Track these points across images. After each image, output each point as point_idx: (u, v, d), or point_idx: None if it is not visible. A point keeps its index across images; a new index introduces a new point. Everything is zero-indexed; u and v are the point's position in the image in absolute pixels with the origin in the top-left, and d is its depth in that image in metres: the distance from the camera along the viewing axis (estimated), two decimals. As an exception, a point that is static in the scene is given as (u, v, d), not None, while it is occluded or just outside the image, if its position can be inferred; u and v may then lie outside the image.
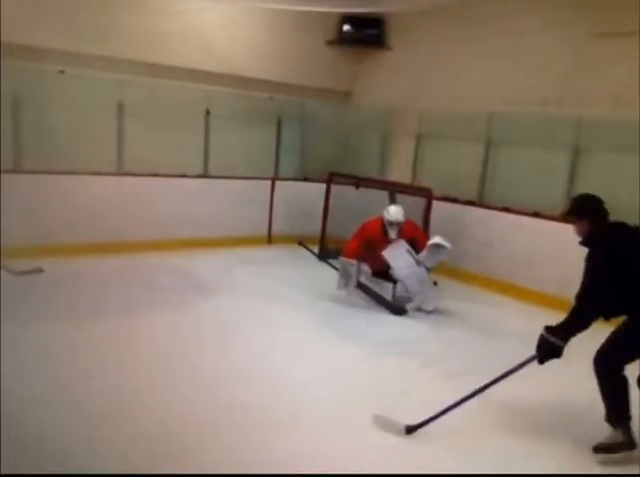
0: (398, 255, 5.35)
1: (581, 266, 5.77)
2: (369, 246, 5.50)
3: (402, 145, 7.92)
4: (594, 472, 2.98)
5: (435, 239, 5.28)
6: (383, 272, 5.49)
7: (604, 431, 3.36)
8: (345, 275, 5.49)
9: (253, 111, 7.64)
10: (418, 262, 5.34)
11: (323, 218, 7.04)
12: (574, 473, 2.95)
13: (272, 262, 6.81)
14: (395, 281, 5.45)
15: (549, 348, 3.18)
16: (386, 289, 5.49)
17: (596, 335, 3.22)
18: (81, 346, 3.96)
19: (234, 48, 7.31)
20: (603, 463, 3.05)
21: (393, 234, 5.42)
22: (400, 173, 7.72)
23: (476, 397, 3.69)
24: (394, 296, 5.47)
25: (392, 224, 5.41)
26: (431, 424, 3.30)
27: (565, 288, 5.70)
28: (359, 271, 5.44)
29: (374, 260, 5.48)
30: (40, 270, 5.38)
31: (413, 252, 5.36)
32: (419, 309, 5.39)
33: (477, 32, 6.94)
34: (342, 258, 5.52)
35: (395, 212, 5.45)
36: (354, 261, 5.42)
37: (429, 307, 5.40)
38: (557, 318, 5.63)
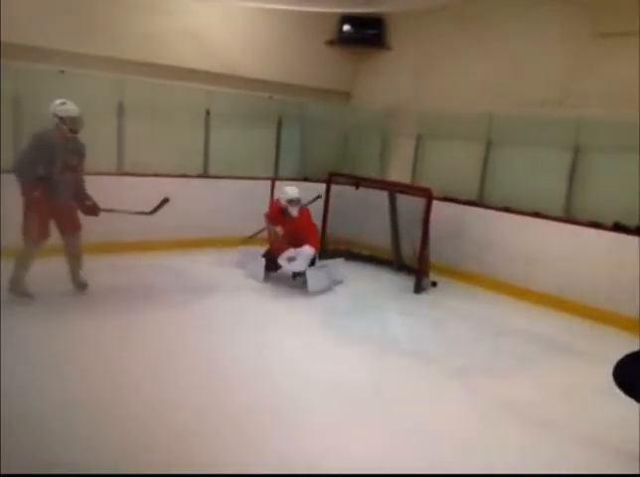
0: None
1: (581, 267, 5.83)
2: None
3: (402, 145, 7.92)
4: (594, 472, 2.98)
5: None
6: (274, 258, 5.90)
7: (606, 431, 3.37)
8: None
9: (253, 111, 7.64)
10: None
11: (323, 218, 7.02)
12: (575, 473, 2.95)
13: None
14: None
15: None
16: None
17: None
18: (81, 346, 3.96)
19: (234, 48, 7.31)
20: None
21: (294, 211, 5.86)
22: (399, 173, 7.72)
23: (478, 397, 3.71)
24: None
25: (292, 201, 5.84)
26: (432, 424, 3.31)
27: (565, 288, 5.75)
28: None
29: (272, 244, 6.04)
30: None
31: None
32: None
33: (477, 32, 6.95)
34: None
35: (292, 190, 5.90)
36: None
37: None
38: (555, 318, 5.70)
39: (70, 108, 4.78)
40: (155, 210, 5.54)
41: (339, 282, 6.12)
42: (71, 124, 4.78)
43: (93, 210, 5.08)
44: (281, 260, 5.76)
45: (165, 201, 5.55)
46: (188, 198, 6.87)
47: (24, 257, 4.75)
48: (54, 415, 3.04)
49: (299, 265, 5.75)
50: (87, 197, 5.07)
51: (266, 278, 5.98)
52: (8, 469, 2.47)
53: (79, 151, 4.93)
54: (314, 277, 5.74)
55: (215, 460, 2.80)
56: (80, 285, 5.15)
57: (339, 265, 6.32)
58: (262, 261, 5.98)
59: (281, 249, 5.82)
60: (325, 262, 6.14)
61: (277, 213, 5.98)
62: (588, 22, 5.92)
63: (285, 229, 5.84)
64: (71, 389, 3.35)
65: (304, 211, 6.04)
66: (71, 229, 5.03)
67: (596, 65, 5.90)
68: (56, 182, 4.73)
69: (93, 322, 4.42)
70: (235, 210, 7.23)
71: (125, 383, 3.50)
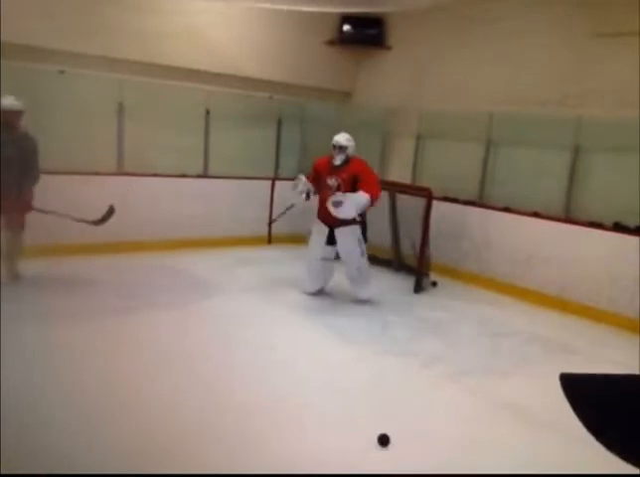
0: (346, 239, 5.33)
1: (581, 267, 5.83)
2: (319, 180, 5.47)
3: (402, 145, 7.92)
4: (594, 472, 2.98)
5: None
6: (325, 223, 5.40)
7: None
8: (296, 186, 5.50)
9: (253, 111, 7.64)
10: (363, 253, 5.36)
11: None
12: (575, 473, 2.94)
13: (272, 262, 6.80)
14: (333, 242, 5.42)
15: None
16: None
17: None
18: (81, 346, 3.96)
19: (234, 48, 7.31)
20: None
21: (338, 159, 5.30)
22: (399, 173, 7.72)
23: (478, 397, 3.71)
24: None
25: (334, 147, 5.32)
26: (432, 425, 3.31)
27: (565, 288, 5.75)
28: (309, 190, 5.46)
29: (321, 203, 5.42)
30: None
31: (363, 244, 5.36)
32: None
33: (477, 32, 6.95)
34: (302, 176, 5.56)
35: (338, 135, 5.38)
36: (308, 182, 5.47)
37: (361, 296, 5.48)
38: (556, 318, 5.69)
39: None
40: (102, 220, 5.37)
41: (356, 298, 5.57)
42: None
43: (23, 208, 4.97)
44: (328, 204, 5.04)
45: (111, 211, 5.39)
46: (188, 198, 6.90)
47: None
48: (53, 415, 3.04)
49: (346, 210, 4.98)
50: (25, 193, 4.97)
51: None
52: (8, 469, 2.47)
53: (14, 145, 4.84)
54: (365, 284, 5.47)
55: (214, 460, 2.80)
56: (14, 276, 5.14)
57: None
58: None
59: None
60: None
61: (326, 162, 5.43)
62: (588, 22, 5.92)
63: (335, 181, 5.31)
64: (70, 389, 3.35)
65: (356, 161, 5.37)
66: (12, 225, 5.02)
67: (596, 65, 5.90)
68: None
69: (92, 322, 4.42)
70: (234, 210, 7.24)
71: (124, 383, 3.50)
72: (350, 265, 5.44)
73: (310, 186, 5.46)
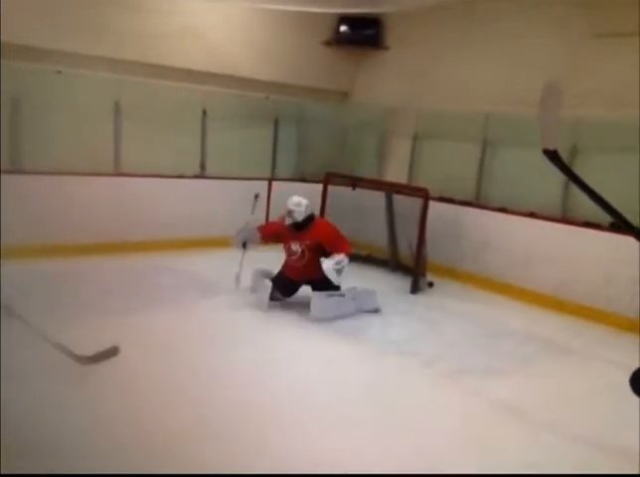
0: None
1: (578, 267, 5.82)
2: (278, 236, 5.39)
3: (400, 145, 7.92)
4: (594, 472, 2.99)
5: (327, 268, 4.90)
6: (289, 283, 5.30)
7: (605, 431, 3.38)
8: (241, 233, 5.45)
9: (250, 111, 7.63)
10: (338, 283, 5.07)
11: (320, 218, 7.03)
12: (575, 473, 2.95)
13: (271, 262, 6.78)
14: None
15: None
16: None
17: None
18: (81, 346, 3.94)
19: (231, 48, 7.29)
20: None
21: (287, 220, 5.21)
22: (396, 173, 7.73)
23: (477, 397, 3.72)
24: None
25: (287, 212, 5.18)
26: (430, 425, 3.31)
27: (562, 288, 5.76)
28: (250, 238, 5.41)
29: (286, 264, 5.37)
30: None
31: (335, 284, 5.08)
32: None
33: (475, 32, 6.95)
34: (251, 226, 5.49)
35: (290, 201, 5.19)
36: (255, 232, 5.42)
37: (369, 308, 5.28)
38: (553, 318, 5.71)
39: None
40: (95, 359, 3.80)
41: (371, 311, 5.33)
42: None
43: None
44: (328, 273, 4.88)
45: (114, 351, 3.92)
46: (185, 198, 6.88)
47: None
48: (54, 416, 3.03)
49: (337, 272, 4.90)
50: None
51: (271, 306, 5.16)
52: (8, 469, 2.46)
53: None
54: (321, 304, 5.04)
55: (214, 460, 2.79)
56: None
57: (371, 294, 5.42)
58: (269, 287, 5.16)
59: (296, 270, 5.23)
60: (354, 292, 5.28)
61: (278, 225, 5.36)
62: (588, 22, 5.93)
63: (295, 245, 5.19)
64: (70, 389, 3.34)
65: (320, 226, 5.26)
66: None
67: (596, 65, 5.90)
68: None
69: (91, 322, 4.40)
70: (232, 210, 7.21)
71: (124, 383, 3.49)
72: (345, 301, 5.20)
73: (253, 234, 5.40)
